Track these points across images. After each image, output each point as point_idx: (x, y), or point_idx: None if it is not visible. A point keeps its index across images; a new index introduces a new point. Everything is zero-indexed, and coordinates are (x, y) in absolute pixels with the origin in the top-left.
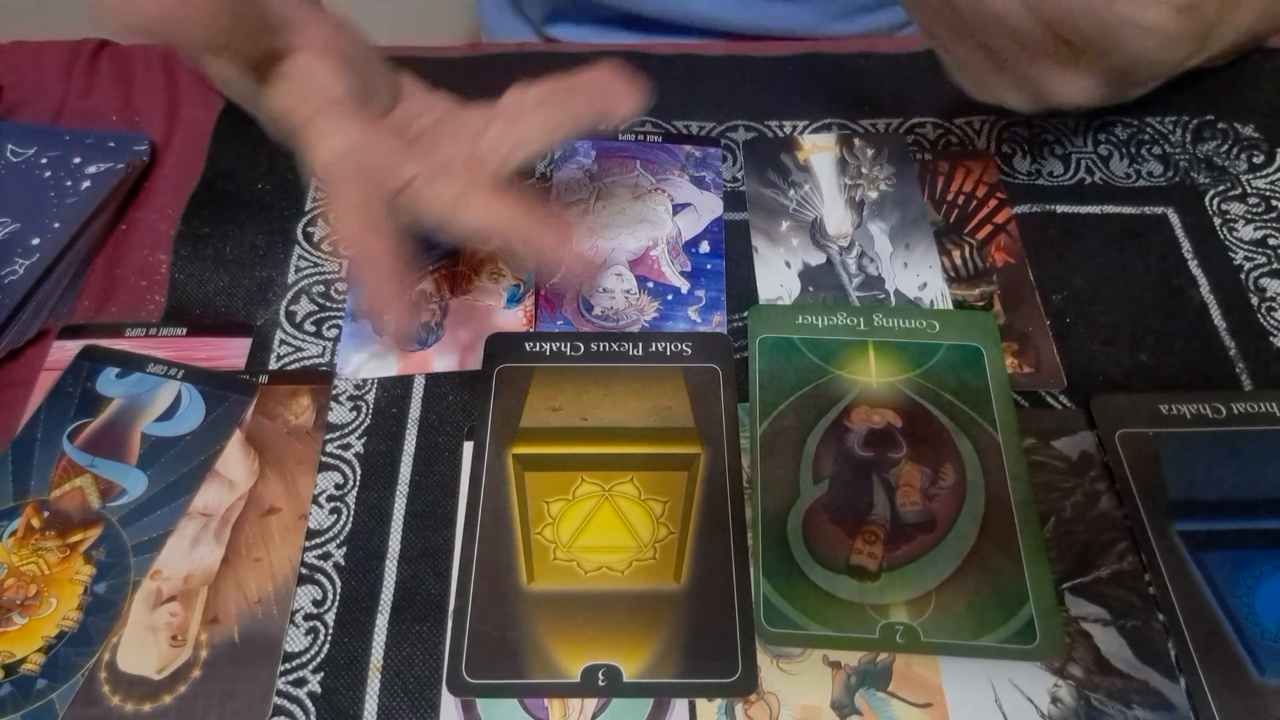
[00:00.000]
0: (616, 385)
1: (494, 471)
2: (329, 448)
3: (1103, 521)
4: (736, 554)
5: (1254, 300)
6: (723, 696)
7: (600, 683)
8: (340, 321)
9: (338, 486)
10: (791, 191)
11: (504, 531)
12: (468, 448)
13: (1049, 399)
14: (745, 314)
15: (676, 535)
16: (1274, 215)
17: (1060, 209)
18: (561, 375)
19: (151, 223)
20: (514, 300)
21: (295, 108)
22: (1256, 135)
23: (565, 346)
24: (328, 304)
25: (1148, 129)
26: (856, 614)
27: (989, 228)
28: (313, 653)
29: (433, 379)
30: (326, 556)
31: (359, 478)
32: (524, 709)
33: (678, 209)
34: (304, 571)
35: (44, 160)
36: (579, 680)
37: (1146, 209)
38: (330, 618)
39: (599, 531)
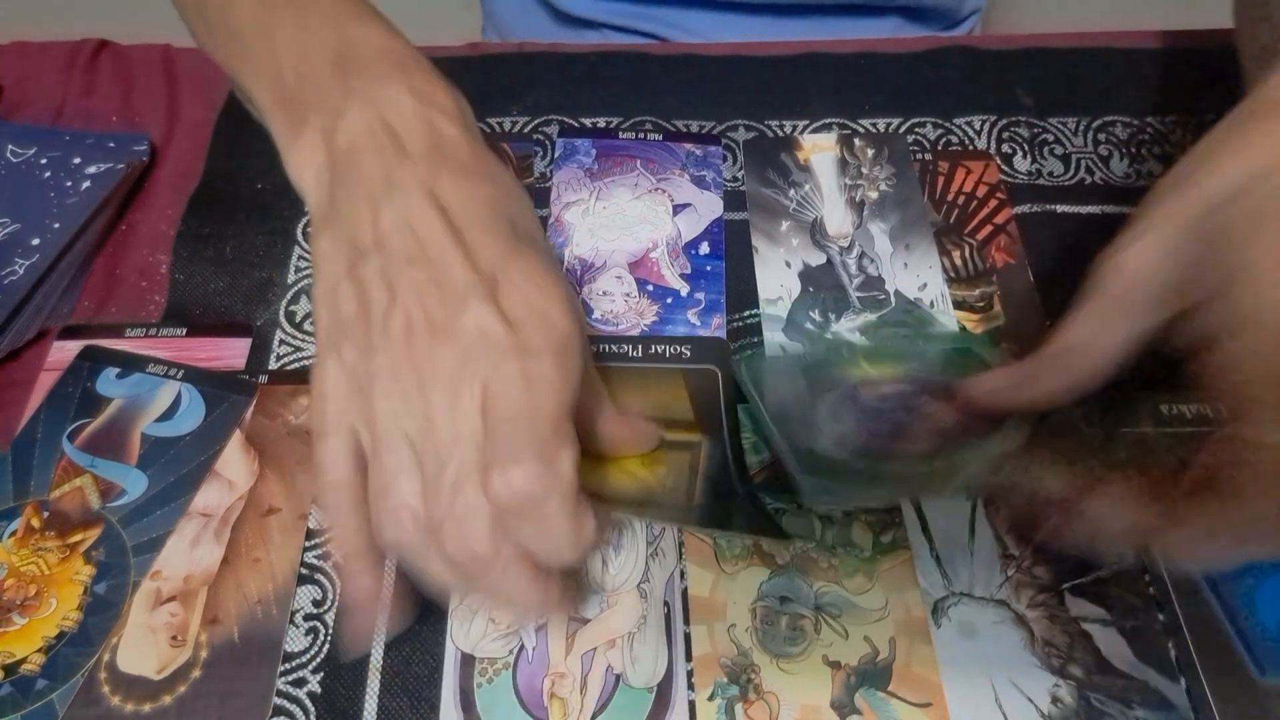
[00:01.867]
0: (616, 384)
1: None
2: None
3: None
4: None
5: None
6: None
7: None
8: None
9: None
10: (792, 191)
11: None
12: None
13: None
14: (745, 314)
15: (683, 496)
16: None
17: (1060, 209)
18: None
19: (151, 223)
20: None
21: None
22: None
23: None
24: None
25: (1148, 129)
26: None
27: (989, 228)
28: (313, 653)
29: None
30: (326, 556)
31: None
32: (524, 709)
33: (678, 209)
34: (304, 571)
35: (44, 160)
36: None
37: None
38: (330, 618)
39: (606, 478)
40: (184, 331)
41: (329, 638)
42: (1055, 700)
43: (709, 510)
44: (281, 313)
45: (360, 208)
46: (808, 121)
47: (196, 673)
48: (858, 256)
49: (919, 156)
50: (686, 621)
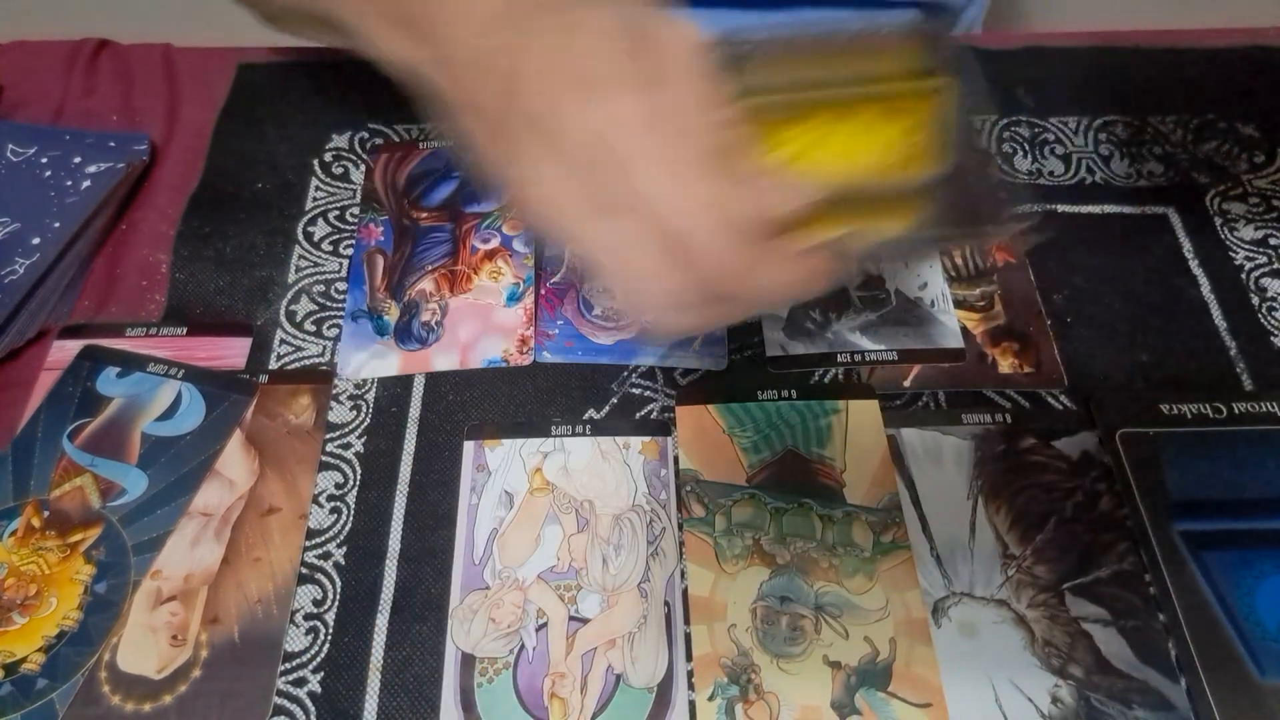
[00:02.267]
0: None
1: None
2: (329, 447)
3: (1103, 521)
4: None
5: (1254, 300)
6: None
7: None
8: (340, 321)
9: (338, 486)
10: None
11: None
12: (468, 447)
13: (1049, 399)
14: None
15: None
16: (1274, 215)
17: (1060, 209)
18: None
19: (151, 223)
20: (513, 299)
21: None
22: (1256, 135)
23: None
24: (328, 304)
25: (1148, 129)
26: None
27: None
28: (313, 652)
29: (432, 378)
30: (326, 556)
31: (359, 477)
32: (524, 709)
33: None
34: (304, 571)
35: (44, 160)
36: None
37: (1146, 209)
38: (330, 617)
39: (831, 149)
40: (184, 331)
41: (329, 637)
42: (1055, 700)
43: (956, 181)
44: (282, 312)
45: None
46: None
47: (197, 672)
48: None
49: None
50: (687, 621)
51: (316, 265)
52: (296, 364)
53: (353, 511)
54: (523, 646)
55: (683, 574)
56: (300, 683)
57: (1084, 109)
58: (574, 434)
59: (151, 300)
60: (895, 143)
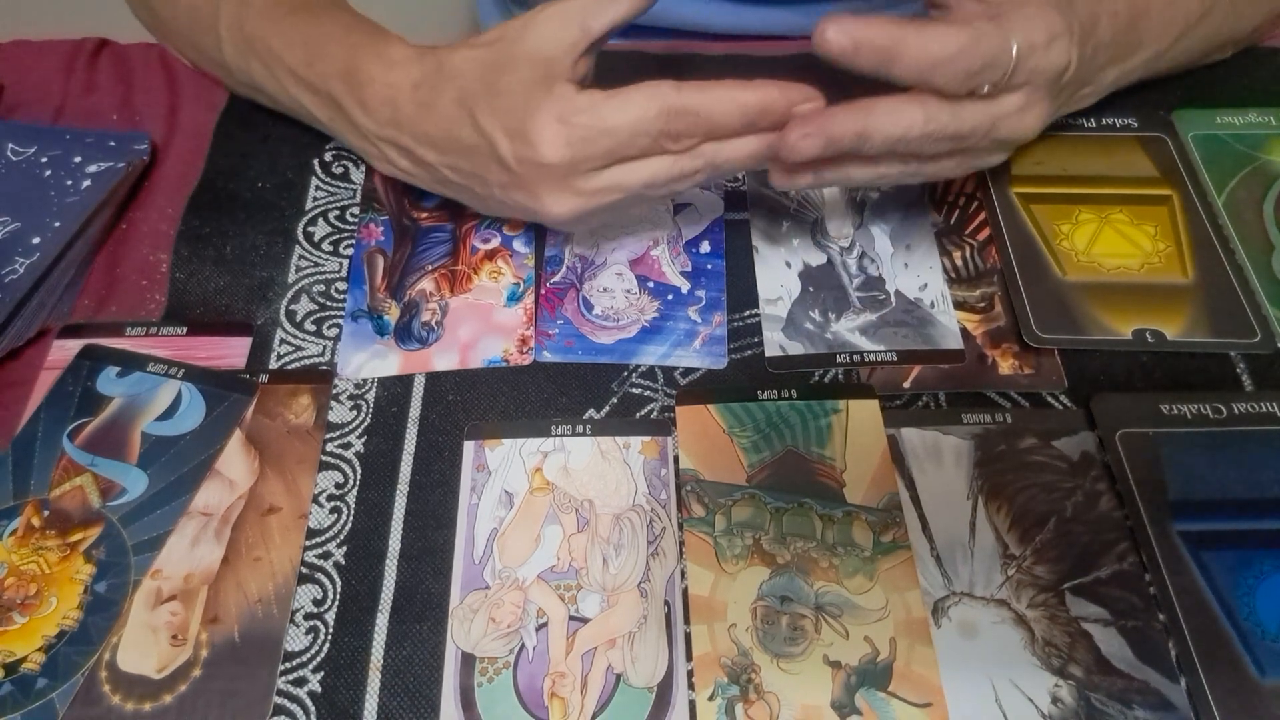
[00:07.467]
0: (1083, 146)
1: (1005, 206)
2: (329, 447)
3: (1103, 521)
4: (1229, 260)
5: None
6: (1247, 351)
7: (1149, 339)
8: (340, 321)
9: (338, 486)
10: (792, 191)
11: (1030, 242)
12: (468, 447)
13: (1049, 399)
14: (745, 314)
15: (1174, 246)
16: None
17: None
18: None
19: (151, 223)
20: (513, 299)
21: None
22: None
23: None
24: (328, 303)
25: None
26: None
27: (990, 228)
28: (313, 652)
29: (433, 378)
30: (327, 556)
31: (359, 477)
32: (524, 709)
33: (678, 208)
34: (304, 571)
35: (44, 159)
36: (1130, 337)
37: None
38: (330, 617)
39: (1107, 244)
40: (184, 330)
41: (329, 637)
42: (1055, 700)
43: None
44: (282, 312)
45: None
46: None
47: (197, 672)
48: (858, 257)
49: None
50: (687, 621)
51: (316, 265)
52: (296, 364)
53: (353, 511)
54: (523, 646)
55: (683, 574)
56: (300, 682)
57: (1084, 109)
58: (574, 434)
59: (151, 300)
60: (1145, 247)
